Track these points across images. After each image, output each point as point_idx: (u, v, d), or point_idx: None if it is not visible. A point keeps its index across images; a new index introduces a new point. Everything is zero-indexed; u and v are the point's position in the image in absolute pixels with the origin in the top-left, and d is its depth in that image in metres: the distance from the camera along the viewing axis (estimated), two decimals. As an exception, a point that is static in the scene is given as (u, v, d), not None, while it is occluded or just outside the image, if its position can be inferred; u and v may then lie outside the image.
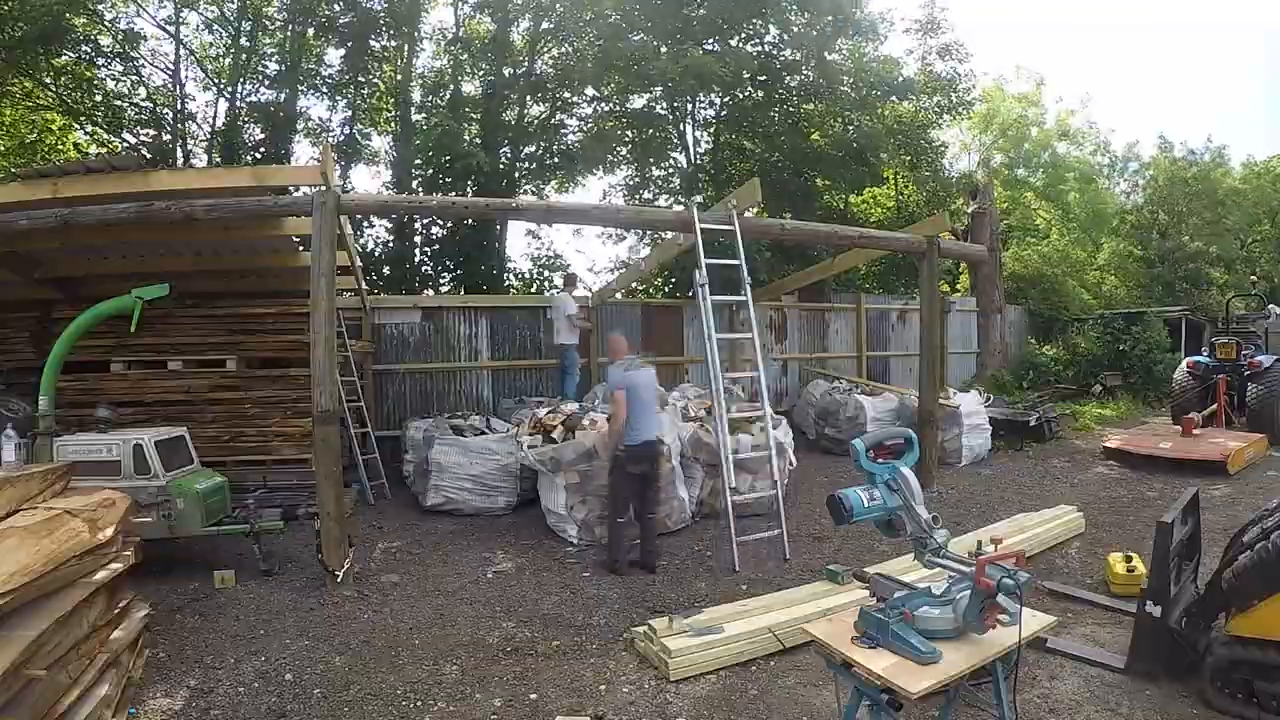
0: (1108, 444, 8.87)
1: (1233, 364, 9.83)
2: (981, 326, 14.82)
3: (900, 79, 13.54)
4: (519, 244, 34.00)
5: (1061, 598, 4.52)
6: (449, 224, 12.79)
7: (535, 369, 9.95)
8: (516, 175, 13.47)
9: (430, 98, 14.21)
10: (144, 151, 10.76)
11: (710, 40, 12.63)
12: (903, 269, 15.83)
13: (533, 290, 14.00)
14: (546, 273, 14.60)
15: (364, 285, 8.80)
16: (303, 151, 13.45)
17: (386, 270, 12.94)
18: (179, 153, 12.26)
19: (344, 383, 7.30)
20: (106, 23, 11.88)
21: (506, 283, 13.80)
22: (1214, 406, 9.65)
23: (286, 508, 5.41)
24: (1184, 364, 10.69)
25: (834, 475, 7.92)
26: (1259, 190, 21.62)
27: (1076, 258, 19.78)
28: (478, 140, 12.94)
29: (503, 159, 13.26)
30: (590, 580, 5.17)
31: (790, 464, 7.06)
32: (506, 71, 13.40)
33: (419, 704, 3.48)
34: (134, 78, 12.29)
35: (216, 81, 13.01)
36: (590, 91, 13.51)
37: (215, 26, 12.96)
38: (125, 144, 11.90)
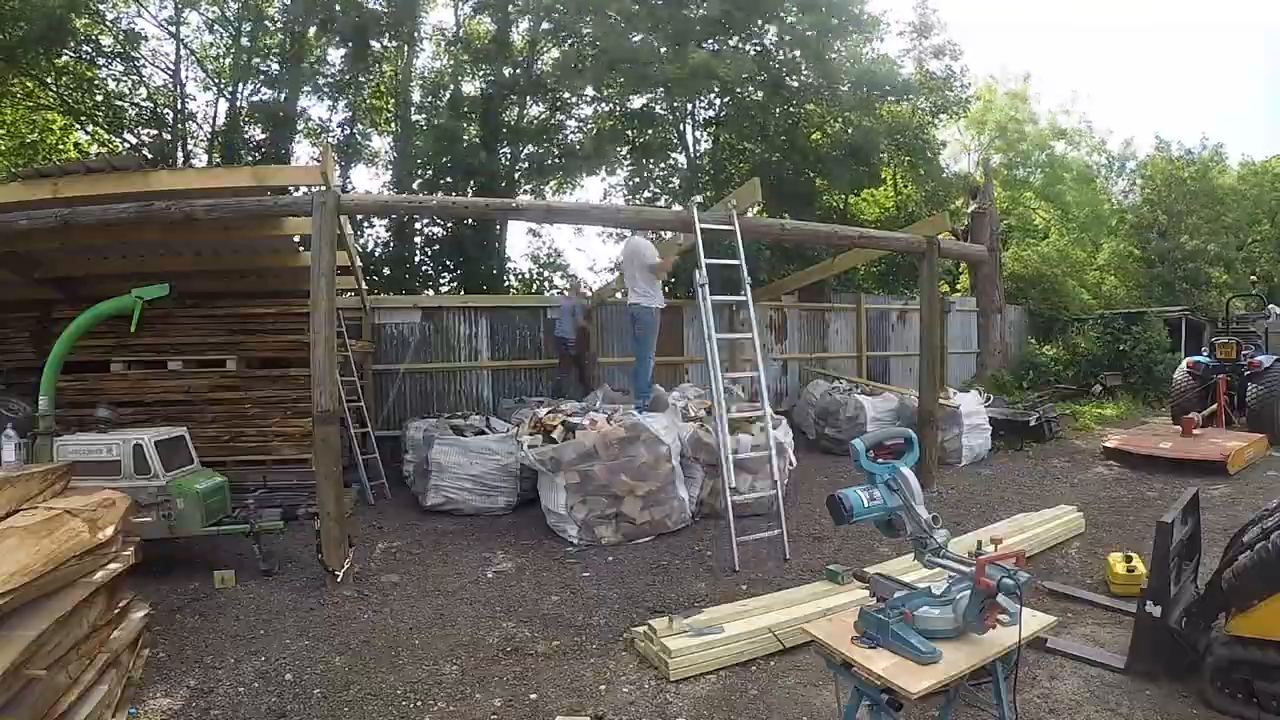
0: (1108, 444, 8.85)
1: (1233, 364, 9.81)
2: (981, 326, 14.81)
3: (900, 79, 13.54)
4: (519, 244, 34.11)
5: (1061, 598, 4.51)
6: (449, 224, 12.82)
7: (535, 369, 9.95)
8: (516, 175, 13.48)
9: (430, 98, 14.25)
10: (145, 151, 10.76)
11: (710, 40, 12.64)
12: (903, 269, 15.82)
13: (533, 290, 14.01)
14: (546, 272, 14.63)
15: (364, 285, 8.81)
16: (303, 151, 13.50)
17: (386, 270, 12.97)
18: (179, 153, 12.29)
19: (344, 383, 7.30)
20: (108, 23, 11.92)
21: (506, 283, 13.83)
22: (1214, 406, 9.63)
23: (286, 508, 5.40)
24: (1184, 364, 10.65)
25: (834, 475, 7.91)
26: (1258, 190, 21.58)
27: (1076, 258, 19.75)
28: (478, 140, 12.95)
29: (503, 159, 13.29)
30: (590, 580, 5.16)
31: (790, 464, 7.06)
32: (506, 71, 13.40)
33: (419, 704, 3.48)
34: (135, 78, 12.34)
35: (217, 81, 13.04)
36: (590, 92, 13.52)
37: (216, 26, 13.02)
38: (126, 144, 11.94)
